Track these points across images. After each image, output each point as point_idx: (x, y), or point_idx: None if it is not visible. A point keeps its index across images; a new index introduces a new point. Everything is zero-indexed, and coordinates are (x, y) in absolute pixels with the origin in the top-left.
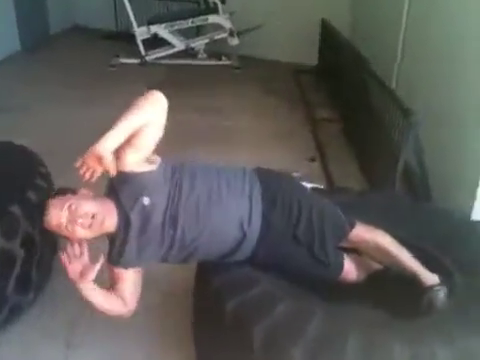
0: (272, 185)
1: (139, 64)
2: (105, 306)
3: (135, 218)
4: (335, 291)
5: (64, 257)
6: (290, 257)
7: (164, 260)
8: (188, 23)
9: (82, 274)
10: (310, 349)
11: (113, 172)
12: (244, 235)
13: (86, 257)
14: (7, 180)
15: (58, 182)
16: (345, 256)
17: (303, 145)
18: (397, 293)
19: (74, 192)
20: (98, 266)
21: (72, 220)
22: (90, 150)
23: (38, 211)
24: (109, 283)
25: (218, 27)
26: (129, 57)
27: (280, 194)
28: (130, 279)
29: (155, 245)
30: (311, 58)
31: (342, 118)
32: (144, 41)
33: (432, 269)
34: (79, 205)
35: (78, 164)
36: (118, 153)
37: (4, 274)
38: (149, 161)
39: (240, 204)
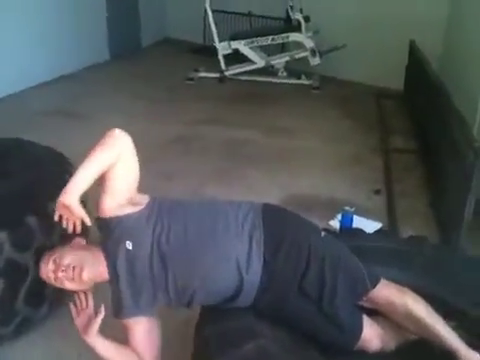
0: (278, 226)
1: (218, 79)
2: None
3: (121, 265)
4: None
5: (73, 309)
6: (296, 313)
7: (169, 305)
8: (268, 40)
9: (87, 327)
10: None
11: (86, 220)
12: (242, 281)
13: (91, 308)
14: (29, 188)
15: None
16: (366, 319)
17: (371, 175)
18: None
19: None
20: (100, 318)
21: (55, 273)
22: (57, 202)
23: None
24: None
25: (301, 45)
26: (209, 71)
27: (287, 238)
28: (140, 330)
29: (149, 291)
30: (397, 82)
31: (418, 150)
32: (227, 56)
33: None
34: (61, 257)
35: (56, 218)
36: (97, 201)
37: (13, 286)
38: (133, 202)
39: (237, 246)
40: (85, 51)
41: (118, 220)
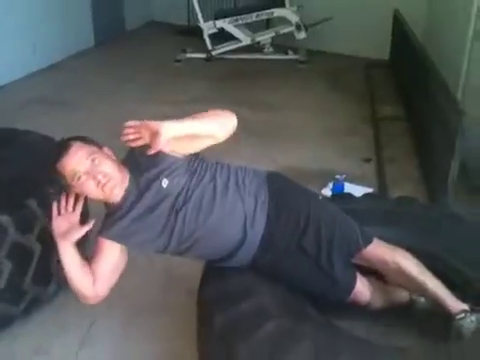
0: (281, 191)
1: (205, 59)
2: (74, 275)
3: (147, 197)
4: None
5: (54, 207)
6: (294, 268)
7: (159, 250)
8: (253, 17)
9: (66, 232)
10: None
11: (153, 152)
12: (245, 236)
13: (77, 216)
14: (27, 173)
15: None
16: (360, 276)
17: (361, 144)
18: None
19: (100, 147)
20: (85, 229)
21: (90, 173)
22: (154, 124)
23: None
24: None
25: (286, 21)
26: (196, 52)
27: (288, 201)
28: (110, 256)
29: (155, 231)
30: (384, 52)
31: (406, 118)
32: (213, 36)
33: (465, 292)
34: (103, 162)
35: (132, 123)
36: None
37: (21, 267)
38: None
39: (245, 204)
40: (71, 39)
41: (166, 158)
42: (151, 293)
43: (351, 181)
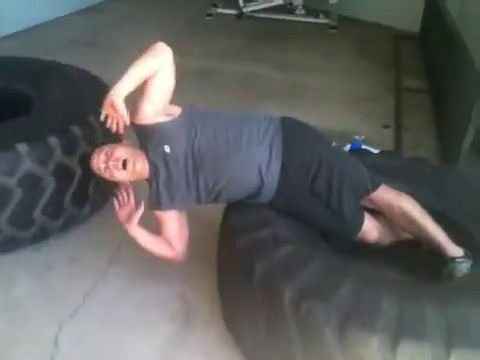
0: (294, 136)
1: (236, 16)
2: (152, 248)
3: (160, 166)
4: (359, 251)
5: (115, 203)
6: (307, 208)
7: (199, 202)
8: None
9: (128, 218)
10: (344, 308)
11: (127, 120)
12: (262, 182)
13: (132, 203)
14: (73, 103)
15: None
16: (368, 216)
17: (382, 112)
18: (422, 259)
19: (117, 142)
20: (141, 211)
21: (107, 163)
22: (105, 100)
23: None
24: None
25: None
26: (227, 8)
27: (301, 146)
28: (171, 222)
29: (183, 190)
30: (415, 24)
31: (429, 89)
32: None
33: (461, 241)
34: (113, 150)
35: (102, 117)
36: (135, 108)
37: (62, 186)
38: (168, 113)
39: (259, 151)
40: None
41: (156, 126)
42: None
43: (369, 145)
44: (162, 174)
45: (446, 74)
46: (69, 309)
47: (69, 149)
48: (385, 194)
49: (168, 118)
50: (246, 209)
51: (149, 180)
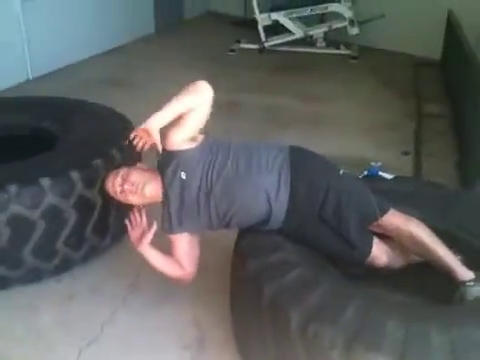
0: (303, 164)
1: (258, 50)
2: (162, 267)
3: (174, 191)
4: (369, 275)
5: (128, 224)
6: (316, 234)
7: (210, 228)
8: (307, 11)
9: (140, 238)
10: (350, 331)
11: (159, 147)
12: (271, 209)
13: (144, 223)
14: (96, 138)
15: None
16: (377, 241)
17: (403, 138)
18: (432, 283)
19: (131, 165)
20: (152, 231)
21: (122, 186)
22: (142, 126)
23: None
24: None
25: (340, 16)
26: (249, 43)
27: (310, 174)
28: (182, 243)
29: (194, 216)
30: (435, 52)
31: (450, 116)
32: (267, 28)
33: (473, 263)
34: (128, 174)
35: (132, 135)
36: (166, 133)
37: (84, 217)
38: (192, 139)
39: (269, 179)
40: (133, 25)
41: (179, 153)
42: None
43: (388, 171)
44: (175, 199)
45: (465, 100)
46: (89, 336)
47: (90, 182)
48: (394, 219)
49: (190, 146)
50: (257, 235)
51: (163, 203)
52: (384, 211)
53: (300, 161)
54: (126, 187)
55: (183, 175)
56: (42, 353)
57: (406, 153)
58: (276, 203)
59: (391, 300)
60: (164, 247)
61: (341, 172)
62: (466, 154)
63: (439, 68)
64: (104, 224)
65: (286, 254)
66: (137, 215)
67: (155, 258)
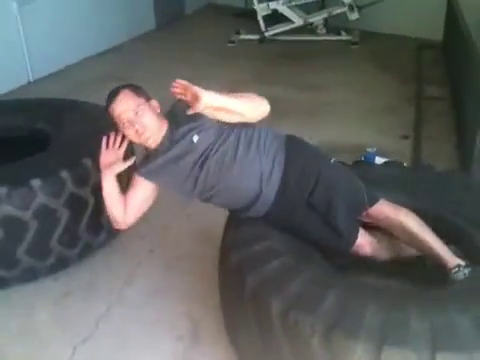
0: (296, 152)
1: (258, 40)
2: (111, 201)
3: (178, 147)
4: (354, 262)
5: (104, 141)
6: (303, 221)
7: (188, 195)
8: None
9: (111, 164)
10: (329, 318)
11: (191, 112)
12: (261, 192)
13: (121, 152)
14: (87, 137)
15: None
16: (363, 232)
17: (402, 122)
18: (422, 271)
19: (148, 98)
20: (126, 164)
21: (132, 122)
22: (197, 89)
23: None
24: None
25: (339, 1)
26: (249, 33)
27: (302, 162)
28: (140, 191)
29: (179, 178)
30: (438, 33)
31: (450, 98)
32: (267, 18)
33: (462, 249)
34: (145, 114)
35: (181, 81)
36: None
37: (76, 215)
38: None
39: (263, 164)
40: (133, 22)
41: (202, 118)
42: (186, 243)
43: (386, 156)
44: (172, 154)
45: (464, 82)
46: (84, 333)
47: (81, 181)
48: (384, 208)
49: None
50: (242, 225)
51: (151, 150)
52: (374, 201)
53: (294, 148)
54: (137, 126)
55: (195, 138)
56: (37, 350)
57: (405, 137)
58: (267, 185)
59: (372, 288)
60: None
61: (332, 161)
62: (464, 136)
63: (440, 50)
64: (97, 221)
65: (270, 243)
66: (118, 139)
67: (111, 189)
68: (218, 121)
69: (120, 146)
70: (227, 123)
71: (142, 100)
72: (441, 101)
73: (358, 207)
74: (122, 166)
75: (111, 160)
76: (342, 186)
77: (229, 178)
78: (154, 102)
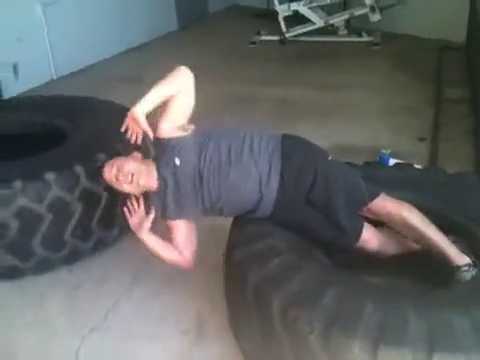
0: (293, 151)
1: (279, 41)
2: (162, 253)
3: (169, 177)
4: (354, 258)
5: (126, 210)
6: (305, 219)
7: (205, 213)
8: (327, 0)
9: (140, 225)
10: (327, 316)
11: (150, 133)
12: (262, 195)
13: (142, 211)
14: (103, 134)
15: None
16: (367, 225)
17: (420, 124)
18: (428, 270)
19: (128, 155)
20: (151, 217)
21: (117, 175)
22: (128, 115)
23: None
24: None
25: (361, 3)
26: (270, 34)
27: (299, 161)
28: (180, 229)
29: (190, 201)
30: (461, 35)
31: (471, 100)
32: (289, 19)
33: (468, 246)
34: (122, 165)
35: (123, 128)
36: (156, 123)
37: (89, 210)
38: (184, 129)
39: (259, 164)
40: (155, 23)
41: (170, 141)
42: None
43: (402, 158)
44: (171, 186)
45: None
46: (92, 324)
47: (94, 176)
48: (385, 203)
49: (183, 134)
50: (247, 223)
51: (156, 192)
52: (374, 195)
53: (291, 147)
54: (120, 177)
55: (177, 161)
56: (47, 338)
57: (422, 139)
58: (267, 188)
59: (372, 286)
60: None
61: (330, 158)
62: None
63: (463, 51)
64: (110, 216)
65: (273, 241)
66: (135, 202)
67: (155, 244)
68: (192, 134)
69: (139, 206)
70: (203, 133)
71: (121, 158)
72: (461, 103)
73: (358, 202)
74: (149, 221)
75: (138, 221)
76: (340, 181)
77: (228, 187)
78: (134, 153)
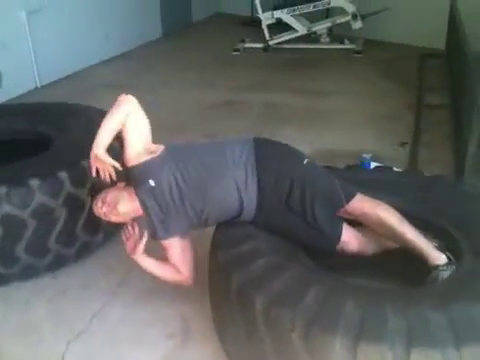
0: (266, 156)
1: (262, 49)
2: (160, 273)
3: (148, 200)
4: (339, 260)
5: (123, 236)
6: (285, 224)
7: (194, 228)
8: (310, 8)
9: (135, 248)
10: (309, 314)
11: (117, 165)
12: (242, 202)
13: (137, 234)
14: (87, 140)
15: None
16: (346, 226)
17: (402, 129)
18: (409, 268)
19: (114, 184)
20: (144, 241)
21: (102, 209)
22: (90, 158)
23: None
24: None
25: (343, 10)
26: (254, 42)
27: (273, 165)
28: (174, 248)
29: (175, 218)
30: (442, 41)
31: (451, 106)
32: (272, 26)
33: (445, 248)
34: (105, 197)
35: (93, 173)
36: (120, 154)
37: (73, 216)
38: (150, 152)
39: (236, 173)
40: (139, 30)
41: (139, 166)
42: None
43: (383, 162)
44: (152, 207)
45: (461, 90)
46: (78, 329)
47: (78, 182)
48: (361, 204)
49: (150, 156)
50: (231, 227)
51: (144, 214)
52: (350, 196)
53: (265, 153)
54: (104, 210)
55: (152, 183)
56: (33, 344)
57: (403, 144)
58: (246, 196)
59: (353, 286)
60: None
61: (305, 161)
62: (460, 144)
63: (443, 58)
64: (95, 222)
65: (256, 243)
66: (130, 227)
67: (151, 265)
68: (160, 154)
69: (133, 232)
70: (171, 152)
71: (105, 191)
72: (442, 109)
73: (335, 204)
74: (142, 243)
75: (133, 245)
76: (317, 185)
77: (210, 199)
78: (118, 184)
